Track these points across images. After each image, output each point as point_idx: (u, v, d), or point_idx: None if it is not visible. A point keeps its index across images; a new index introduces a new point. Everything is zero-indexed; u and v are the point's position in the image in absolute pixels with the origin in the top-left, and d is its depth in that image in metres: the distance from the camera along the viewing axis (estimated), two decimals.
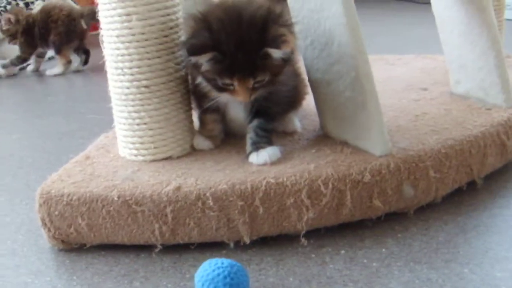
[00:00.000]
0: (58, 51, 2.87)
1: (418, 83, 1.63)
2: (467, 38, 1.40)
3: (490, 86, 1.38)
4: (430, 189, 1.16)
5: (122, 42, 1.11)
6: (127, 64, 1.12)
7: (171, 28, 1.14)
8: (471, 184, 1.25)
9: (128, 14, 1.10)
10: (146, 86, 1.13)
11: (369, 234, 1.11)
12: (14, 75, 2.92)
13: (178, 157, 1.19)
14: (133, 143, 1.17)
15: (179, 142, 1.19)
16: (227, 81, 1.06)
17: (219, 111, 1.20)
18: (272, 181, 1.05)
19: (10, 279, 1.04)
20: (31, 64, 2.96)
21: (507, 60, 1.41)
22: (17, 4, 3.17)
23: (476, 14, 1.35)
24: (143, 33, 1.11)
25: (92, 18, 2.83)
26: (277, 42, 1.03)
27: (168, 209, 1.04)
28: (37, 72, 2.98)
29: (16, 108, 2.35)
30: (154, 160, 1.17)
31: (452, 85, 1.50)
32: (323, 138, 1.24)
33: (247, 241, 1.07)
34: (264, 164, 1.11)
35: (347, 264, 1.02)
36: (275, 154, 1.13)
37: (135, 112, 1.15)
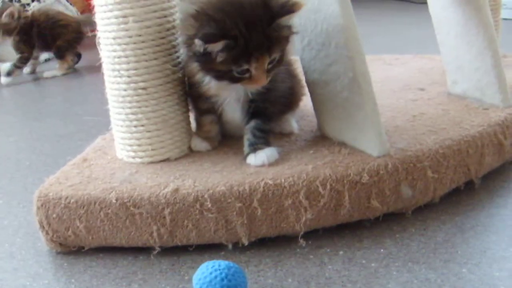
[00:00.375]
0: (62, 56, 2.88)
1: (416, 83, 1.63)
2: (464, 39, 1.40)
3: (487, 86, 1.38)
4: (428, 189, 1.16)
5: (119, 44, 1.11)
6: (124, 66, 1.12)
7: (167, 29, 1.14)
8: (469, 184, 1.25)
9: (124, 16, 1.09)
10: (143, 88, 1.13)
11: (367, 234, 1.11)
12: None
13: (176, 159, 1.19)
14: (130, 145, 1.17)
15: (176, 144, 1.19)
16: (245, 66, 1.04)
17: (216, 113, 1.20)
18: (270, 182, 1.05)
19: (8, 282, 1.04)
20: (27, 67, 2.95)
21: (504, 59, 1.41)
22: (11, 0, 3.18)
23: (473, 15, 1.36)
24: (140, 35, 1.11)
25: (89, 25, 2.92)
26: (288, 8, 1.02)
27: (166, 211, 1.04)
28: (34, 74, 2.97)
29: (13, 111, 2.35)
30: (151, 162, 1.17)
31: (449, 85, 1.50)
32: (321, 139, 1.24)
33: (246, 242, 1.07)
34: (262, 165, 1.11)
35: (345, 264, 1.02)
36: (272, 155, 1.13)
37: (132, 114, 1.15)
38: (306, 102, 1.34)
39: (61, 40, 2.85)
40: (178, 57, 1.17)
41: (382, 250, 1.05)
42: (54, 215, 1.07)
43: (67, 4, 3.32)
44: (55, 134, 1.89)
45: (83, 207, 1.06)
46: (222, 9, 1.03)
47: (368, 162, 1.10)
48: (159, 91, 1.14)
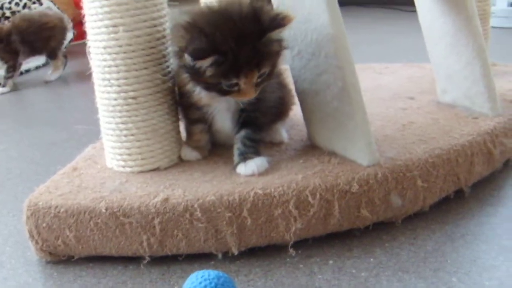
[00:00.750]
0: (55, 56, 2.87)
1: (405, 92, 1.64)
2: (454, 49, 1.41)
3: (476, 95, 1.39)
4: (417, 198, 1.16)
5: (109, 54, 1.11)
6: (114, 75, 1.12)
7: (158, 39, 1.14)
8: (459, 193, 1.25)
9: (115, 25, 1.10)
10: (133, 98, 1.13)
11: (357, 243, 1.11)
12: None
13: (166, 168, 1.19)
14: (120, 155, 1.17)
15: (166, 153, 1.19)
16: (234, 80, 1.04)
17: (206, 122, 1.20)
18: (260, 192, 1.05)
19: None
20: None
21: (493, 68, 1.42)
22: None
23: (463, 25, 1.37)
24: (130, 44, 1.11)
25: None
26: (278, 22, 1.03)
27: (156, 221, 1.04)
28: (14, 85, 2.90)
29: (3, 118, 2.33)
30: (141, 172, 1.17)
31: (439, 94, 1.51)
32: (311, 148, 1.25)
33: (235, 252, 1.07)
34: (252, 175, 1.11)
35: (335, 274, 1.02)
36: (262, 165, 1.13)
37: (122, 123, 1.14)
38: (295, 111, 1.34)
39: (53, 41, 2.84)
40: (168, 67, 1.17)
41: (372, 259, 1.05)
42: (44, 224, 1.07)
43: (49, 3, 3.30)
44: (45, 142, 1.88)
45: (73, 217, 1.05)
46: (213, 22, 1.03)
47: (358, 172, 1.10)
48: (149, 101, 1.14)
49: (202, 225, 1.04)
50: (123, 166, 1.18)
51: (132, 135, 1.15)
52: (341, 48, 1.10)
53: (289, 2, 1.18)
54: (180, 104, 1.21)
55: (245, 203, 1.04)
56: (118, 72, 1.12)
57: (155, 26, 1.13)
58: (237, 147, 1.16)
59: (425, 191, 1.16)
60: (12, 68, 2.81)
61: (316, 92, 1.19)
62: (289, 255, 1.08)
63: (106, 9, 1.09)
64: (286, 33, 1.12)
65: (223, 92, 1.07)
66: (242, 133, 1.16)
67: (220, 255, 1.08)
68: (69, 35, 3.02)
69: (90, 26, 1.13)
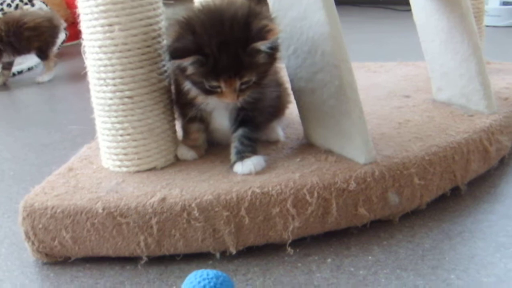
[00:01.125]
0: (46, 57, 2.85)
1: (401, 90, 1.64)
2: (448, 46, 1.41)
3: (472, 93, 1.39)
4: (414, 196, 1.16)
5: (105, 53, 1.10)
6: (109, 75, 1.11)
7: (153, 38, 1.14)
8: (455, 190, 1.26)
9: (110, 25, 1.09)
10: (129, 97, 1.12)
11: (355, 242, 1.11)
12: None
13: (162, 168, 1.18)
14: (116, 154, 1.16)
15: (163, 152, 1.19)
16: (214, 83, 1.05)
17: (203, 120, 1.19)
18: (258, 190, 1.04)
19: None
20: None
21: (487, 66, 1.42)
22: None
23: (457, 22, 1.37)
24: (125, 44, 1.10)
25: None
26: (262, 34, 1.02)
27: (153, 221, 1.03)
28: (5, 86, 2.88)
29: None
30: (138, 171, 1.17)
31: (434, 92, 1.51)
32: (307, 146, 1.24)
33: (233, 251, 1.06)
34: (249, 174, 1.11)
35: (334, 272, 1.02)
36: (260, 164, 1.13)
37: (118, 123, 1.14)
38: (291, 109, 1.34)
39: (38, 41, 2.81)
40: (164, 65, 1.17)
41: (370, 258, 1.05)
42: (40, 225, 1.06)
43: (41, 4, 3.27)
44: (39, 143, 1.87)
45: (70, 217, 1.05)
46: (205, 22, 1.04)
47: (355, 170, 1.10)
48: (145, 100, 1.14)
49: (200, 225, 1.04)
50: (119, 166, 1.17)
51: (128, 134, 1.14)
52: (337, 46, 1.10)
53: (285, 0, 1.18)
54: (177, 102, 1.20)
55: (243, 202, 1.04)
56: (113, 71, 1.11)
57: (150, 25, 1.13)
58: (234, 146, 1.15)
59: (422, 189, 1.16)
60: None
61: (312, 91, 1.18)
62: (287, 254, 1.07)
63: (102, 8, 1.08)
64: (282, 33, 1.12)
65: (207, 92, 1.07)
66: (240, 131, 1.15)
67: (218, 255, 1.07)
68: (61, 35, 2.99)
69: (85, 25, 1.12)
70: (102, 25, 1.09)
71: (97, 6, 1.08)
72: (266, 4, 1.22)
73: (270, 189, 1.05)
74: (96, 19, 1.09)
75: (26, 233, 1.08)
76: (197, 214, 1.03)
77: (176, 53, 1.03)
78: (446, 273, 0.99)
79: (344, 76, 1.10)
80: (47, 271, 1.09)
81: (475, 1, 1.72)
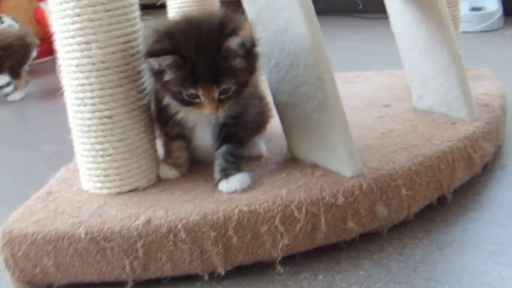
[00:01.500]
0: (17, 75, 2.79)
1: (380, 100, 1.63)
2: (428, 54, 1.41)
3: (453, 100, 1.39)
4: (402, 207, 1.15)
5: (82, 72, 1.07)
6: (88, 94, 1.08)
7: (132, 55, 1.11)
8: (441, 199, 1.25)
9: (87, 42, 1.06)
10: (108, 117, 1.09)
11: (345, 256, 1.09)
12: None
13: (145, 189, 1.15)
14: (97, 176, 1.13)
15: (144, 172, 1.15)
16: (192, 90, 1.02)
17: (185, 138, 1.16)
18: (245, 209, 1.02)
19: None
20: None
21: (467, 73, 1.41)
22: None
23: (436, 30, 1.36)
24: (103, 62, 1.07)
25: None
26: (234, 32, 1.00)
27: (139, 244, 1.00)
28: None
29: None
30: (120, 193, 1.13)
31: (415, 100, 1.50)
32: (292, 161, 1.22)
33: (222, 272, 1.03)
34: (235, 192, 1.08)
35: None
36: (245, 181, 1.11)
37: (98, 143, 1.10)
38: (272, 123, 1.32)
39: (10, 61, 2.75)
40: (143, 83, 1.14)
41: (361, 272, 1.04)
42: (20, 253, 1.02)
43: (11, 21, 3.21)
44: (13, 164, 1.82)
45: (51, 243, 1.01)
46: (182, 28, 1.03)
47: (343, 183, 1.08)
48: (125, 119, 1.10)
49: (187, 246, 1.01)
50: (101, 188, 1.13)
51: (109, 155, 1.11)
52: (320, 58, 1.09)
53: (265, 13, 1.16)
54: (158, 120, 1.17)
55: (230, 221, 1.01)
56: (92, 90, 1.08)
57: (129, 42, 1.10)
58: (218, 163, 1.13)
59: (409, 200, 1.15)
60: None
61: (295, 104, 1.16)
62: (277, 272, 1.05)
63: (78, 25, 1.05)
64: (263, 45, 1.11)
65: (186, 103, 1.05)
66: (224, 148, 1.13)
67: (206, 276, 1.04)
68: (34, 53, 2.93)
69: (61, 43, 1.08)
70: (78, 43, 1.06)
71: (73, 23, 1.05)
72: (244, 13, 1.20)
73: (258, 206, 1.02)
74: (72, 36, 1.06)
75: (6, 261, 1.04)
76: (183, 236, 1.00)
77: (152, 52, 1.00)
78: (440, 285, 0.98)
79: (328, 89, 1.08)
80: None
81: (451, 8, 1.72)
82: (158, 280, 1.04)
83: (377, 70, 1.99)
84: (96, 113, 1.09)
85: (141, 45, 1.12)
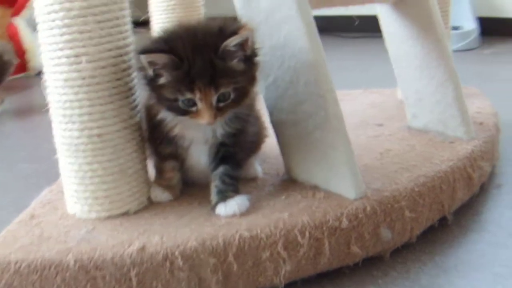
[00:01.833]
0: None
1: (371, 119, 1.59)
2: (424, 72, 1.38)
3: (449, 119, 1.36)
4: (405, 229, 1.11)
5: (71, 87, 1.00)
6: (76, 111, 1.01)
7: (123, 70, 1.04)
8: (442, 220, 1.21)
9: (76, 56, 0.99)
10: (98, 135, 1.02)
11: (348, 282, 1.04)
12: None
13: (136, 212, 1.08)
14: (85, 198, 1.06)
15: (136, 195, 1.08)
16: (188, 95, 0.96)
17: (179, 157, 1.10)
18: (246, 234, 0.96)
19: None
20: None
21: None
22: None
23: (431, 48, 1.34)
24: (94, 77, 1.00)
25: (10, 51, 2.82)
26: (234, 33, 0.96)
27: (133, 273, 0.93)
28: None
29: None
30: (109, 217, 1.06)
31: (410, 119, 1.47)
32: (290, 182, 1.17)
33: None
34: (233, 215, 1.02)
35: None
36: (244, 204, 1.05)
37: (86, 164, 1.03)
38: (266, 143, 1.27)
39: None
40: (135, 100, 1.08)
41: None
42: (3, 283, 0.94)
43: None
44: None
45: (37, 272, 0.93)
46: (178, 33, 0.99)
47: (346, 206, 1.03)
48: (115, 138, 1.04)
49: (184, 274, 0.94)
50: (89, 211, 1.06)
51: (98, 176, 1.04)
52: (321, 75, 1.05)
53: (264, 27, 1.12)
54: (150, 139, 1.11)
55: (230, 247, 0.95)
56: (80, 107, 1.01)
57: (120, 55, 1.03)
58: (215, 185, 1.07)
59: (412, 222, 1.11)
60: None
61: (295, 123, 1.12)
62: None
63: (67, 37, 0.98)
64: (261, 60, 1.06)
65: (182, 112, 0.99)
66: (221, 169, 1.07)
67: None
68: (10, 70, 2.85)
69: (48, 56, 1.01)
70: (67, 56, 0.99)
71: (62, 35, 0.98)
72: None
73: (259, 231, 0.97)
74: (60, 49, 0.99)
75: None
76: (181, 263, 0.93)
77: (148, 50, 0.96)
78: None
79: (330, 107, 1.04)
80: None
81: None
82: None
83: (366, 89, 1.96)
84: (85, 131, 1.02)
85: (133, 60, 1.06)
